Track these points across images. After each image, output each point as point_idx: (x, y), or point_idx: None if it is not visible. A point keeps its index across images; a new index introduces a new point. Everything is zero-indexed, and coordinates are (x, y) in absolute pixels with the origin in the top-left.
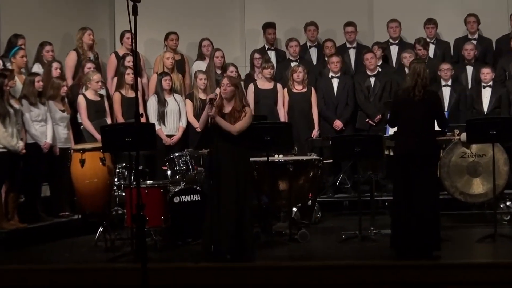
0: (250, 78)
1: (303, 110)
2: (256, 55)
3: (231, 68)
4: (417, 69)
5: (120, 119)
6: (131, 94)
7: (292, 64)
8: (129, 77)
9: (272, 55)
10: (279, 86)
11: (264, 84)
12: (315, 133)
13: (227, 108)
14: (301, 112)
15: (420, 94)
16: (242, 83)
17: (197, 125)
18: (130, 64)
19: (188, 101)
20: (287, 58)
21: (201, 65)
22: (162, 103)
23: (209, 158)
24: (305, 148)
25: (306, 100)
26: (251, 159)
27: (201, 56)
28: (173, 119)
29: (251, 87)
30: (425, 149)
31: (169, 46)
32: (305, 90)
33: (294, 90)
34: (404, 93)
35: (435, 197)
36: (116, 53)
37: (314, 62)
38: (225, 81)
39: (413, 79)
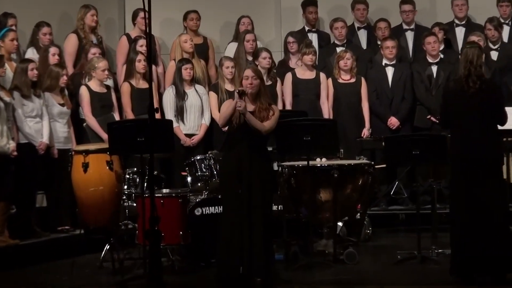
0: (284, 66)
1: (351, 105)
2: (290, 39)
3: (264, 54)
4: (469, 56)
5: (130, 115)
6: (143, 84)
7: (338, 49)
8: (140, 65)
9: (313, 38)
10: (322, 75)
11: (304, 73)
12: (365, 132)
13: (250, 106)
14: (348, 107)
15: (476, 85)
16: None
17: None
18: (143, 49)
19: (213, 94)
20: (332, 42)
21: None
22: (181, 95)
23: (232, 160)
24: (353, 150)
25: (355, 92)
26: (288, 163)
27: (237, 37)
28: (194, 115)
29: (288, 76)
30: (487, 152)
31: (189, 27)
32: (353, 80)
33: (340, 81)
34: (456, 84)
35: (504, 209)
36: (128, 36)
37: (364, 46)
38: (249, 72)
39: (465, 68)
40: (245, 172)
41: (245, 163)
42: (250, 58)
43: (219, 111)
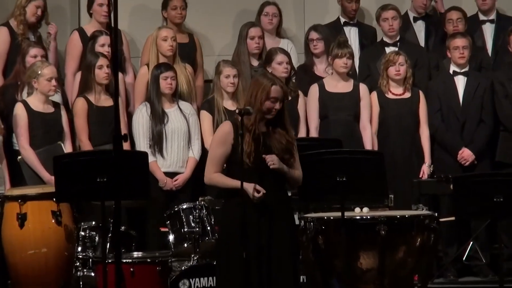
0: (306, 72)
1: (405, 130)
2: (313, 35)
3: (280, 58)
4: None
5: (86, 145)
6: (105, 101)
7: (388, 49)
8: (102, 73)
9: (352, 34)
10: (362, 88)
11: (336, 85)
12: (425, 169)
13: (263, 126)
14: (400, 134)
15: None
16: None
17: None
18: (105, 49)
19: (205, 114)
20: (380, 40)
21: None
22: (158, 117)
23: (236, 210)
24: (407, 196)
25: (410, 112)
26: (314, 215)
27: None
28: (178, 145)
29: (314, 90)
30: None
31: (170, 18)
32: (408, 95)
33: (389, 96)
34: None
35: None
36: (82, 31)
37: (423, 45)
38: (280, 93)
39: None
40: (257, 226)
41: (255, 214)
42: (255, 63)
43: None
